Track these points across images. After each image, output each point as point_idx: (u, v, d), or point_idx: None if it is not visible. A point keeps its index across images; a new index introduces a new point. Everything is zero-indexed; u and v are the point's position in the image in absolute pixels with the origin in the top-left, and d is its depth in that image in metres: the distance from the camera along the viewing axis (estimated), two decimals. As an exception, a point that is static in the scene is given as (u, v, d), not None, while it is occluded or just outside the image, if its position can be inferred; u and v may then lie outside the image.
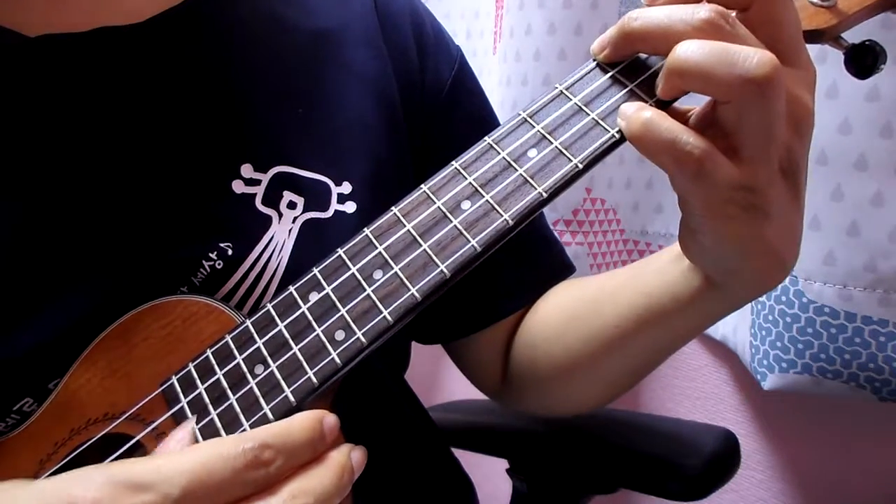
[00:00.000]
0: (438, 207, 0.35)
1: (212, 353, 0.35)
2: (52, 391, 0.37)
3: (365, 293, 0.34)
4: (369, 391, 0.48)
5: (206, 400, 0.34)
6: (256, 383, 0.34)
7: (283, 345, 0.34)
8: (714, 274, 0.38)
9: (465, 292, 0.51)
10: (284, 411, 0.33)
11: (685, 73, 0.30)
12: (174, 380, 0.35)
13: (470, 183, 0.35)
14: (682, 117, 0.35)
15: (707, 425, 0.62)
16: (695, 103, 0.34)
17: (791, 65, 0.32)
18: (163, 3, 0.43)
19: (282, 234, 0.42)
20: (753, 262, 0.35)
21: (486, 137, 0.35)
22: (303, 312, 0.34)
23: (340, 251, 0.35)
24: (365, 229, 0.35)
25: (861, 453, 0.71)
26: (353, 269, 0.35)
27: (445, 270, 0.33)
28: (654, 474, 0.57)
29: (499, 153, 0.35)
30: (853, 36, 0.38)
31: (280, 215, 0.42)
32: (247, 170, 0.42)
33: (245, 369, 0.34)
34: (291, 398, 0.33)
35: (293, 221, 0.43)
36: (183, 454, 0.28)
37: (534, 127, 0.35)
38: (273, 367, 0.34)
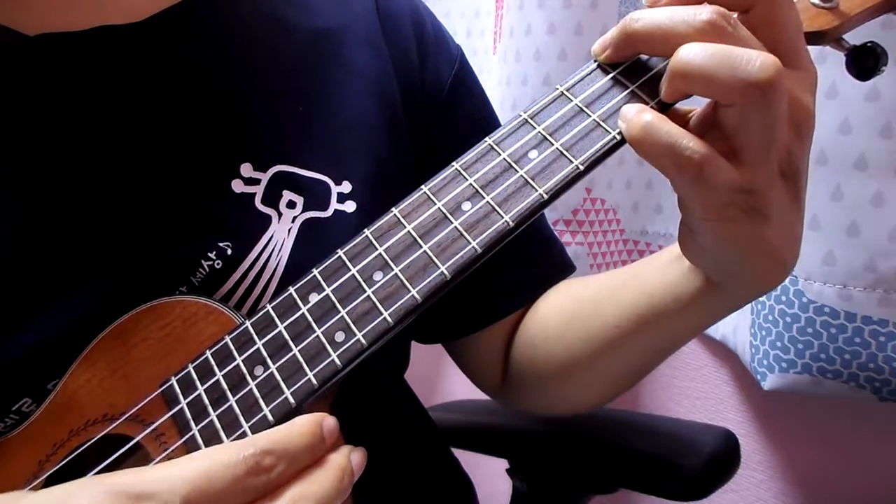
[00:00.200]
0: (439, 209, 0.34)
1: (211, 354, 0.35)
2: (50, 392, 0.37)
3: (365, 294, 0.34)
4: (369, 391, 0.48)
5: (206, 401, 0.34)
6: (256, 385, 0.34)
7: (282, 346, 0.34)
8: (714, 274, 0.38)
9: (465, 292, 0.50)
10: (284, 413, 0.33)
11: (688, 76, 0.30)
12: (173, 381, 0.35)
13: (471, 184, 0.34)
14: (682, 119, 0.35)
15: (707, 425, 0.62)
16: (694, 104, 0.34)
17: (792, 66, 0.32)
18: (162, 2, 0.43)
19: (281, 234, 0.42)
20: (753, 263, 0.35)
21: (486, 138, 0.35)
22: (303, 314, 0.34)
23: (340, 252, 0.35)
24: (365, 230, 0.35)
25: (861, 453, 0.71)
26: (354, 271, 0.34)
27: (446, 272, 0.33)
28: (654, 474, 0.57)
29: (500, 154, 0.35)
30: (853, 37, 0.38)
31: (279, 215, 0.42)
32: (246, 169, 0.42)
33: (245, 370, 0.34)
34: (291, 400, 0.33)
35: (293, 221, 0.43)
36: (183, 462, 0.28)
37: (535, 128, 0.35)
38: (273, 368, 0.34)
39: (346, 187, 0.45)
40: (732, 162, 0.30)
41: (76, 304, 0.38)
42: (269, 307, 0.35)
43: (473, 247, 0.33)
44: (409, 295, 0.33)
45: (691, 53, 0.29)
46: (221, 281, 0.40)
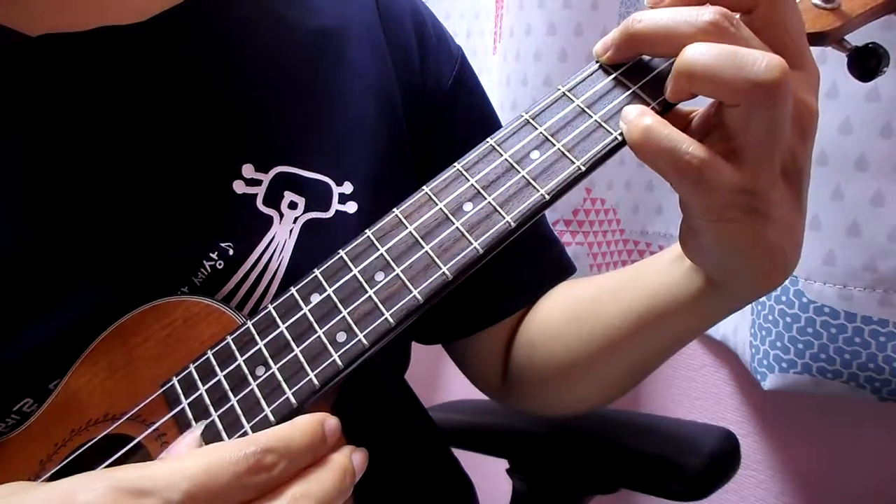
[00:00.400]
0: (440, 209, 0.34)
1: (213, 354, 0.35)
2: (52, 392, 0.37)
3: (366, 295, 0.34)
4: (370, 392, 0.48)
5: (207, 401, 0.34)
6: (258, 385, 0.34)
7: (284, 346, 0.34)
8: (715, 274, 0.38)
9: (465, 292, 0.50)
10: (286, 413, 0.33)
11: (694, 76, 0.30)
12: (175, 381, 0.35)
13: (472, 185, 0.34)
14: (685, 120, 0.35)
15: (707, 425, 0.62)
16: (695, 104, 0.34)
17: (795, 67, 0.32)
18: (164, 3, 0.43)
19: (283, 235, 0.42)
20: (755, 264, 0.35)
21: (488, 139, 0.35)
22: (304, 314, 0.34)
23: (342, 252, 0.35)
24: (367, 231, 0.35)
25: (861, 453, 0.71)
26: (355, 271, 0.35)
27: (447, 273, 0.33)
28: (655, 474, 0.57)
29: (501, 155, 0.35)
30: (854, 38, 0.38)
31: (281, 215, 0.42)
32: (248, 170, 0.42)
33: (246, 371, 0.34)
34: (293, 400, 0.33)
35: (294, 221, 0.43)
36: (185, 459, 0.28)
37: (536, 129, 0.35)
38: (274, 368, 0.34)
39: (347, 188, 0.45)
40: (735, 162, 0.31)
41: (77, 304, 0.38)
42: (270, 307, 0.35)
43: (475, 247, 0.33)
44: (411, 295, 0.33)
45: (697, 53, 0.29)
46: (223, 281, 0.40)
